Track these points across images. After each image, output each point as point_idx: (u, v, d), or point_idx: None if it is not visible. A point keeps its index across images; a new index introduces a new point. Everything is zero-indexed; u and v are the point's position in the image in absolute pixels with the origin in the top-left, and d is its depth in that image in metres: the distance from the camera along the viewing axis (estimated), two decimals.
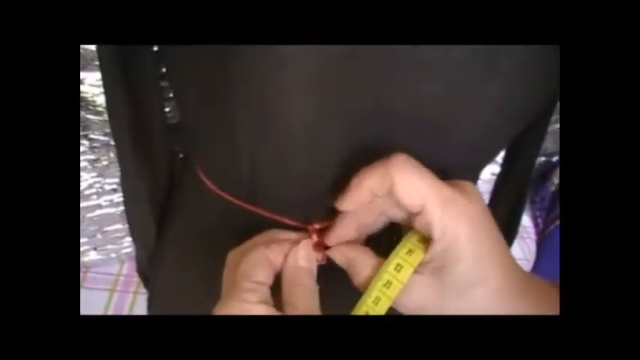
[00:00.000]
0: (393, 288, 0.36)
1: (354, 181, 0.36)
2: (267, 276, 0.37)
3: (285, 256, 0.39)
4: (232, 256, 0.40)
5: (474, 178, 0.55)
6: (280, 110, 0.36)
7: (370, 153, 0.38)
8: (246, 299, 0.35)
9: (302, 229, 0.43)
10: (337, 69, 0.34)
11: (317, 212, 0.43)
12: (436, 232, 0.35)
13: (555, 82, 0.38)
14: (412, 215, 0.36)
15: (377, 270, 0.37)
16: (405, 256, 0.36)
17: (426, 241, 0.36)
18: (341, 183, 0.39)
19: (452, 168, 0.41)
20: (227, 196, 0.45)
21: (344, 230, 0.40)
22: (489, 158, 0.47)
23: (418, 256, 0.36)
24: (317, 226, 0.42)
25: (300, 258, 0.39)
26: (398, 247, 0.36)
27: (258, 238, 0.41)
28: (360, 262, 0.38)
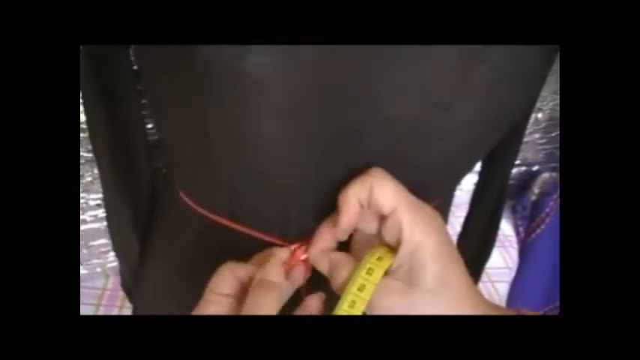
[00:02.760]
0: (366, 290, 0.37)
1: (342, 198, 0.39)
2: (231, 288, 0.40)
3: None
4: (221, 269, 0.41)
5: (450, 190, 0.55)
6: (255, 133, 0.36)
7: (346, 171, 0.40)
8: (203, 310, 0.38)
9: (279, 244, 0.44)
10: (310, 94, 0.35)
11: (295, 228, 0.44)
12: (406, 232, 0.37)
13: (526, 97, 0.39)
14: (384, 220, 0.39)
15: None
16: (376, 262, 0.38)
17: (394, 250, 0.38)
18: (318, 200, 0.41)
19: (427, 182, 0.42)
20: (206, 213, 0.46)
21: (324, 243, 0.42)
22: (464, 172, 0.47)
23: (387, 261, 0.38)
24: (297, 245, 0.43)
25: (268, 272, 0.40)
26: (367, 256, 0.39)
27: (258, 256, 0.43)
28: (341, 264, 0.40)
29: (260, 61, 0.32)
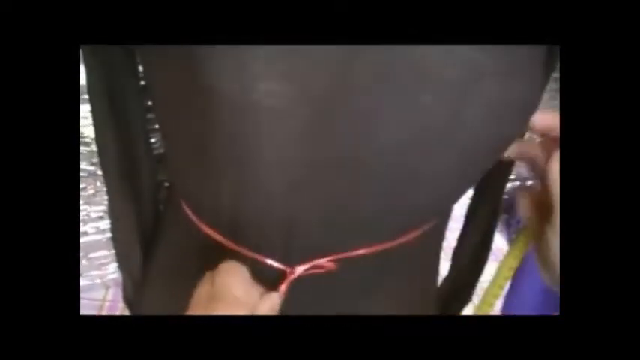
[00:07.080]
0: None
1: None
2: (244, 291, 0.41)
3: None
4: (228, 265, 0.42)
5: (448, 210, 0.56)
6: (260, 157, 0.37)
7: (349, 195, 0.40)
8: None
9: (278, 268, 0.44)
10: (317, 121, 0.36)
11: (298, 251, 0.44)
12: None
13: (520, 123, 0.40)
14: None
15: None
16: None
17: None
18: (321, 224, 0.42)
19: (426, 203, 0.43)
20: (207, 230, 0.46)
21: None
22: (461, 193, 0.48)
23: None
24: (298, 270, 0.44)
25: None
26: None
27: None
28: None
29: (270, 90, 0.33)
